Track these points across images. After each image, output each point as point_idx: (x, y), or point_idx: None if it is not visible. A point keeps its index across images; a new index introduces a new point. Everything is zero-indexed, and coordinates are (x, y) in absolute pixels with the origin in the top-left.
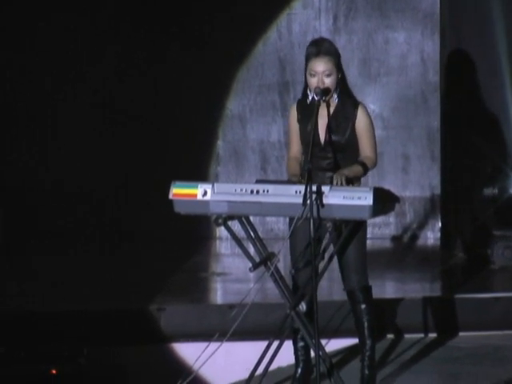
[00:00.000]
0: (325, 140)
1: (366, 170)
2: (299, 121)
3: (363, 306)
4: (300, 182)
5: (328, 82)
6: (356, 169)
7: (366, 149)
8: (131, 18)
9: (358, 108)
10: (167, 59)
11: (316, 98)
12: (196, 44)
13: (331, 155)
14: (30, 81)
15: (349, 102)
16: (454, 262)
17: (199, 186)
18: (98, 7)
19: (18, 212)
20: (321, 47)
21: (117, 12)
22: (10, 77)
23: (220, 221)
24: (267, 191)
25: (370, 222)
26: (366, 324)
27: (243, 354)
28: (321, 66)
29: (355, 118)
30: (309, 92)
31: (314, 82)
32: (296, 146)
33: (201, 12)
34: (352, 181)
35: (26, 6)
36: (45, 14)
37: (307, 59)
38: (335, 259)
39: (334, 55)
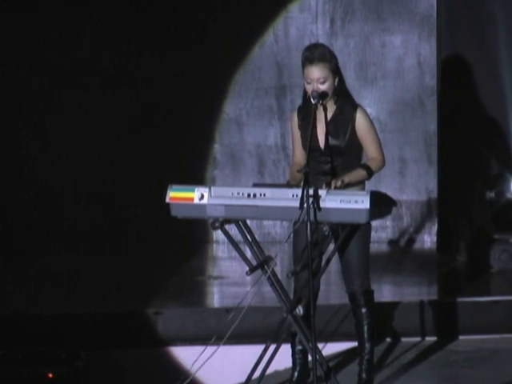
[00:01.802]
0: (325, 144)
1: (370, 172)
2: (300, 127)
3: (364, 310)
4: (299, 186)
5: (324, 87)
6: (358, 173)
7: (370, 151)
8: (130, 20)
9: (356, 111)
10: (164, 62)
11: (313, 102)
12: (192, 47)
13: (332, 159)
14: (29, 81)
15: (347, 106)
16: (451, 265)
17: (196, 189)
18: (98, 8)
19: (16, 213)
20: (314, 54)
21: (116, 14)
22: (10, 77)
23: (217, 224)
24: (264, 195)
25: None
26: (366, 327)
27: (240, 358)
28: (315, 73)
29: (354, 122)
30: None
31: (309, 88)
32: (299, 153)
33: (198, 15)
34: (346, 186)
35: (26, 7)
36: (45, 14)
37: (303, 66)
38: (333, 262)
39: (329, 61)
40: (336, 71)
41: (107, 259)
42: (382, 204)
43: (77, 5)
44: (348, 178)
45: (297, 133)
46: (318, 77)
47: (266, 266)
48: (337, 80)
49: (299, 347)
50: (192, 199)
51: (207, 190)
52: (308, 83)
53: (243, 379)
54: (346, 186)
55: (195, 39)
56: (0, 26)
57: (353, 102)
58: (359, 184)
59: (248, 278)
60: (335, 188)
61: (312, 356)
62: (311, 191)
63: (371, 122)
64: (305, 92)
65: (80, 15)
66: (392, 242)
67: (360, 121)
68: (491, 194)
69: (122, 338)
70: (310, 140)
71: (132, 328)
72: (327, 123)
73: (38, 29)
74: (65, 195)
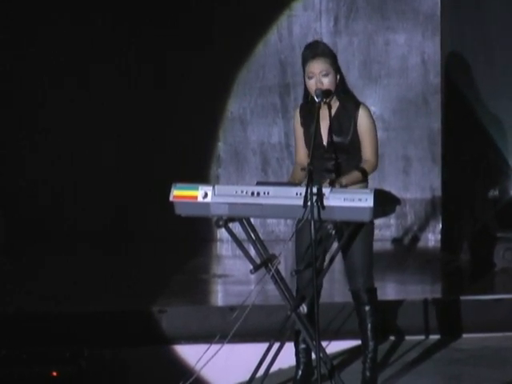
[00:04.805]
0: (328, 141)
1: (365, 175)
2: (303, 124)
3: (367, 308)
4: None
5: (326, 82)
6: (354, 176)
7: (366, 151)
8: (131, 19)
9: (359, 108)
10: (168, 61)
11: (317, 100)
12: (196, 46)
13: (336, 156)
14: (29, 81)
15: (350, 103)
16: (455, 263)
17: (200, 187)
18: (98, 8)
19: (19, 213)
20: (316, 49)
21: (116, 13)
22: (10, 77)
23: (221, 223)
24: (268, 193)
25: None
26: (369, 326)
27: (244, 356)
28: (317, 67)
29: (357, 119)
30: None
31: (312, 83)
32: (302, 151)
33: (201, 13)
34: (345, 187)
35: (25, 5)
36: (45, 14)
37: (304, 63)
38: (337, 261)
39: (330, 56)
40: (337, 68)
41: (110, 258)
42: (385, 202)
43: (76, 4)
44: (345, 180)
45: (299, 130)
46: (320, 70)
47: (269, 265)
48: (338, 77)
49: (303, 345)
50: (196, 197)
51: (211, 188)
52: (310, 78)
53: (247, 377)
54: (345, 187)
55: (199, 38)
56: None
57: (355, 100)
58: (361, 182)
59: (252, 277)
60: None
61: (316, 354)
62: (315, 189)
63: (373, 122)
64: (306, 91)
65: (79, 15)
66: (396, 241)
67: (362, 119)
68: (495, 193)
69: (125, 337)
70: (314, 137)
71: (136, 326)
72: (330, 120)
73: (37, 29)
74: (65, 195)
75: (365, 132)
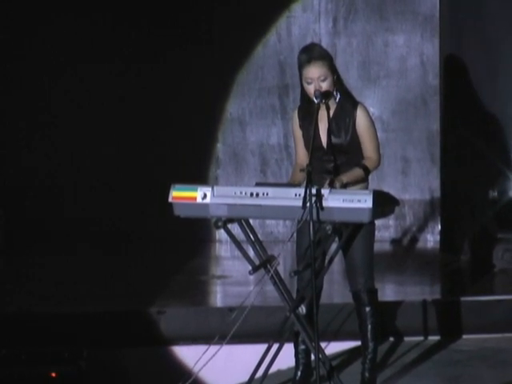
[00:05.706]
0: (327, 143)
1: (367, 172)
2: (301, 127)
3: (368, 309)
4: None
5: (325, 86)
6: (356, 173)
7: (367, 149)
8: (131, 19)
9: (357, 108)
10: (167, 61)
11: (316, 101)
12: (195, 46)
13: (336, 158)
14: (31, 81)
15: (348, 103)
16: (454, 264)
17: (199, 188)
18: (98, 8)
19: (18, 213)
20: (312, 53)
21: (116, 13)
22: (11, 78)
23: (220, 224)
24: (267, 194)
25: None
26: (369, 327)
27: (243, 357)
28: (315, 72)
29: (355, 119)
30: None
31: (311, 88)
32: (301, 153)
33: (200, 14)
34: (346, 185)
35: (26, 7)
36: (45, 13)
37: (300, 67)
38: (336, 262)
39: (327, 58)
40: (334, 69)
41: (110, 258)
42: (384, 203)
43: (76, 4)
44: (346, 178)
45: (298, 132)
46: (318, 75)
47: (268, 266)
48: (335, 78)
49: (302, 346)
50: (195, 198)
51: (210, 189)
52: (308, 83)
53: (246, 378)
54: (345, 185)
55: (198, 39)
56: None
57: (353, 100)
58: (362, 183)
59: (251, 278)
60: (334, 188)
61: (315, 355)
62: (314, 190)
63: (371, 120)
64: (303, 93)
65: (79, 15)
66: (395, 242)
67: (360, 118)
68: (494, 193)
69: (124, 337)
70: (312, 139)
71: (135, 327)
72: (329, 121)
73: (37, 29)
74: (65, 195)
75: (364, 131)
